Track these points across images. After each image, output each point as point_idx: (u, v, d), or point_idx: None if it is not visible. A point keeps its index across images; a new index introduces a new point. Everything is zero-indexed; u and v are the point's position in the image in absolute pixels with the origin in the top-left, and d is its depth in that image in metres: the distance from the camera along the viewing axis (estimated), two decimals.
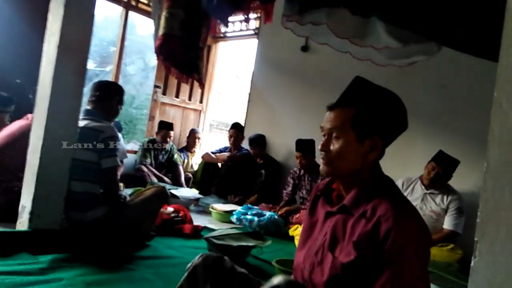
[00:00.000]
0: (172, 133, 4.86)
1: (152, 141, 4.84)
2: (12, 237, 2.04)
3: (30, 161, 2.23)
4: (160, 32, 1.77)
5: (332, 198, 1.15)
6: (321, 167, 1.12)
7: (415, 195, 3.22)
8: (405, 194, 3.03)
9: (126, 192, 2.87)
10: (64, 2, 2.04)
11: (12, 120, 2.96)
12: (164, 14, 1.76)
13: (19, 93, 3.42)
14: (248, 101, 5.27)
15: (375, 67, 2.80)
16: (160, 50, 1.80)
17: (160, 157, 4.86)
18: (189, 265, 1.15)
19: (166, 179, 4.68)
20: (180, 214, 3.02)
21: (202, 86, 2.08)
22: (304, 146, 3.84)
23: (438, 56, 2.58)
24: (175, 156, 4.96)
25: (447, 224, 3.08)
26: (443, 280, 2.38)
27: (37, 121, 2.20)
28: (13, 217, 2.23)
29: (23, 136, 2.48)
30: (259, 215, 3.43)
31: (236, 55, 10.13)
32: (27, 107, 2.79)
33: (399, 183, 3.13)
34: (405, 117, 1.10)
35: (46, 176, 2.19)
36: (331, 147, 1.08)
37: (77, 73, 2.20)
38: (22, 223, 2.19)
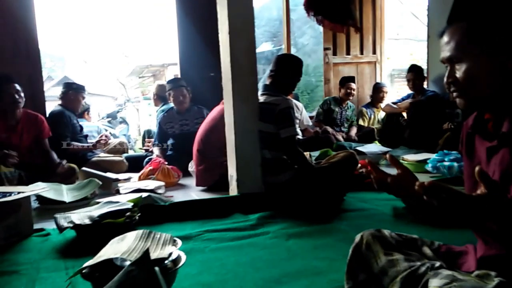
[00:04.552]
0: (354, 85, 4.90)
1: (328, 101, 5.01)
2: (227, 202, 2.44)
3: (228, 137, 2.61)
4: None
5: (489, 130, 0.94)
6: (457, 101, 0.94)
7: None
8: None
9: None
10: None
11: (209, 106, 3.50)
12: None
13: (214, 84, 4.01)
14: (428, 38, 4.72)
15: None
16: (309, 5, 1.79)
17: (339, 115, 4.98)
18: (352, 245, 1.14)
19: (352, 136, 4.79)
20: (369, 169, 3.00)
21: (357, 29, 1.97)
22: None
23: None
24: (352, 113, 5.04)
25: None
26: None
27: (226, 101, 2.56)
28: (225, 186, 2.68)
29: (221, 118, 2.90)
30: (459, 160, 3.08)
31: None
32: (222, 94, 3.26)
33: None
34: None
35: (242, 148, 2.52)
36: (457, 75, 0.90)
37: (248, 53, 2.43)
38: (233, 189, 2.60)
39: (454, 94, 0.94)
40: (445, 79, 0.95)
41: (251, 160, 2.52)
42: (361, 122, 5.10)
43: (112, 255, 1.21)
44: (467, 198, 0.77)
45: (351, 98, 4.98)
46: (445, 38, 0.93)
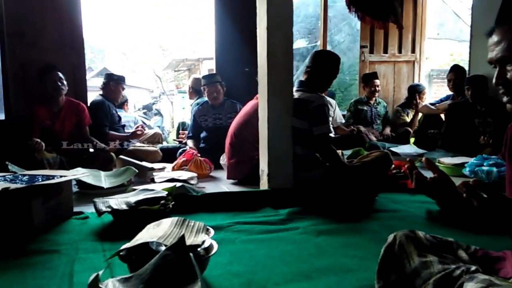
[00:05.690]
0: (377, 81, 4.78)
1: (352, 104, 4.94)
2: (257, 195, 2.46)
3: (261, 132, 2.63)
4: None
5: None
6: (507, 106, 0.91)
7: None
8: None
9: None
10: None
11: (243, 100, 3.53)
12: None
13: (248, 79, 4.04)
14: (471, 38, 4.53)
15: None
16: (351, 0, 1.77)
17: (370, 113, 4.89)
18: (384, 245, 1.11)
19: (387, 134, 4.72)
20: (402, 170, 2.94)
21: (399, 27, 1.92)
22: None
23: None
24: (385, 108, 4.95)
25: None
26: None
27: (261, 96, 2.58)
28: (256, 180, 2.71)
29: (255, 113, 2.92)
30: (498, 165, 2.96)
31: None
32: (256, 90, 3.29)
33: None
34: None
35: (275, 143, 2.54)
36: (509, 76, 0.88)
37: (285, 49, 2.44)
38: (263, 184, 2.62)
39: (504, 96, 0.92)
40: (494, 80, 0.93)
41: (283, 156, 2.53)
42: (402, 120, 4.97)
43: (149, 239, 1.26)
44: (509, 201, 0.76)
45: (376, 95, 4.87)
46: (495, 38, 0.91)
